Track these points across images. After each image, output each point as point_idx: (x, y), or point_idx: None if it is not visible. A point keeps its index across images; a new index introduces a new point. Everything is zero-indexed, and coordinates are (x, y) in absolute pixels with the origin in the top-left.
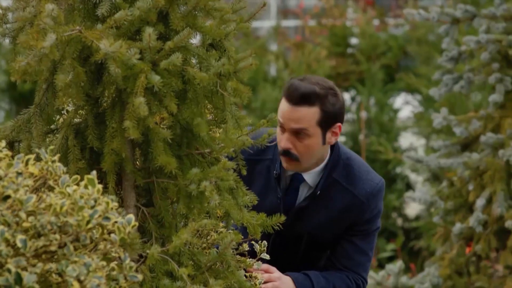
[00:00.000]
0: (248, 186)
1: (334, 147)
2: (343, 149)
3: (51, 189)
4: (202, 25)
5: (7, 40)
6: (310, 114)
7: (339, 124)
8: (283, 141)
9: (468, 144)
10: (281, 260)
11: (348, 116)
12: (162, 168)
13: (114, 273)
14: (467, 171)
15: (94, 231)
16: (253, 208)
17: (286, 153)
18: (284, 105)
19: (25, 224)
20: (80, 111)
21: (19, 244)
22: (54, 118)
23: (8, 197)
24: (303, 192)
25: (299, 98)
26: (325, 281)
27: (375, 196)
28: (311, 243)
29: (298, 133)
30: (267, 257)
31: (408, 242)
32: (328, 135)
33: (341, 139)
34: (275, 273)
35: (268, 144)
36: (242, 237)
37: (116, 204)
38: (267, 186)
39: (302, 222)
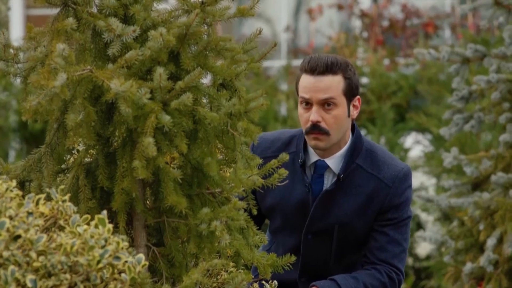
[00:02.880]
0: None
1: (354, 132)
2: (364, 138)
3: (61, 228)
4: (213, 65)
5: (18, 80)
6: (335, 82)
7: (358, 97)
8: (312, 114)
9: (478, 184)
10: (313, 263)
11: None
12: (172, 207)
13: None
14: (477, 210)
15: (104, 270)
16: (283, 202)
17: (316, 127)
18: (307, 79)
19: (36, 264)
20: (91, 150)
21: (29, 284)
22: (64, 157)
23: (18, 236)
24: (328, 179)
25: (322, 67)
26: (354, 281)
27: (402, 180)
28: (343, 238)
29: (326, 104)
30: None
31: (419, 282)
32: (351, 107)
33: None
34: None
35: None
36: (253, 276)
37: (126, 243)
38: (294, 178)
39: (331, 211)
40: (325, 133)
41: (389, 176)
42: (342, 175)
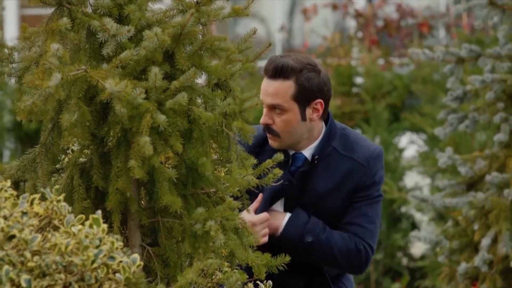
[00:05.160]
0: None
1: (328, 121)
2: (337, 122)
3: (56, 228)
4: (207, 65)
5: (13, 80)
6: (284, 87)
7: (319, 100)
8: (262, 117)
9: (473, 184)
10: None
11: None
12: (167, 207)
13: None
14: (472, 210)
15: (99, 270)
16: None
17: (267, 128)
18: (263, 80)
19: (30, 264)
20: (86, 150)
21: (23, 284)
22: (59, 157)
23: (13, 236)
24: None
25: (273, 71)
26: (321, 226)
27: (375, 160)
28: (317, 215)
29: (274, 108)
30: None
31: (414, 282)
32: (308, 111)
33: None
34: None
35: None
36: (247, 276)
37: (121, 243)
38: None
39: (306, 189)
40: (276, 135)
41: (363, 157)
42: (317, 156)
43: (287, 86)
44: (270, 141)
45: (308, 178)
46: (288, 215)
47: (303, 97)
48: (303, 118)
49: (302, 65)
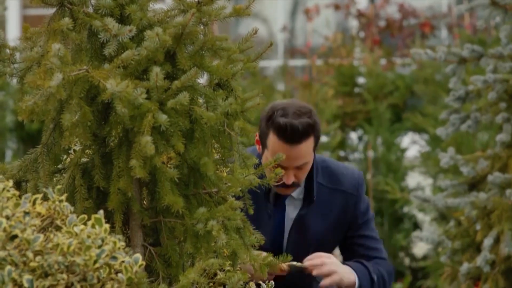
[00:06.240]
0: None
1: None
2: (316, 155)
3: (58, 228)
4: (209, 64)
5: (14, 80)
6: (308, 146)
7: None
8: (287, 178)
9: (475, 184)
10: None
11: (355, 155)
12: (169, 207)
13: None
14: (474, 210)
15: (101, 270)
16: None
17: (290, 185)
18: (281, 147)
19: (32, 264)
20: (87, 150)
21: (25, 284)
22: (61, 157)
23: (15, 236)
24: (289, 206)
25: (298, 137)
26: (373, 265)
27: (361, 185)
28: (317, 250)
29: (301, 167)
30: None
31: (416, 282)
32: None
33: None
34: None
35: None
36: (249, 276)
37: (123, 243)
38: (257, 204)
39: (306, 233)
40: (296, 186)
41: (351, 185)
42: (315, 197)
43: (310, 143)
44: (282, 192)
45: (305, 221)
46: (349, 267)
47: (317, 143)
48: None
49: (313, 118)
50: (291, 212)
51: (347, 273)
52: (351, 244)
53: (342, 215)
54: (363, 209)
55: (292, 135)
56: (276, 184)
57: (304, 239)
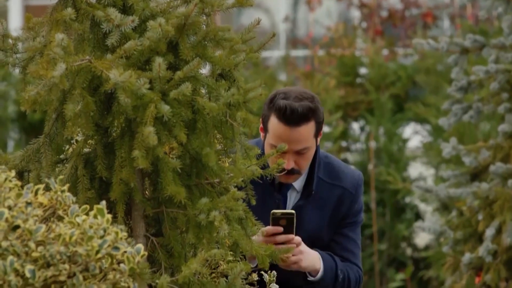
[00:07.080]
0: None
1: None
2: (320, 151)
3: (60, 219)
4: (211, 55)
5: (17, 70)
6: (308, 130)
7: (322, 125)
8: (287, 163)
9: (477, 174)
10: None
11: (357, 146)
12: (171, 198)
13: None
14: (476, 201)
15: (103, 261)
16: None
17: (291, 171)
18: (281, 128)
19: (34, 254)
20: (90, 140)
21: (28, 274)
22: (63, 148)
23: (17, 227)
24: (291, 197)
25: (296, 119)
26: (343, 265)
27: (360, 187)
28: (310, 246)
29: (301, 152)
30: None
31: (418, 272)
32: (317, 139)
33: None
34: (301, 246)
35: None
36: (252, 266)
37: (125, 234)
38: (264, 195)
39: (301, 225)
40: (298, 173)
41: (350, 184)
42: (313, 191)
43: (310, 128)
44: (284, 179)
45: (301, 213)
46: (318, 254)
47: (319, 130)
48: (316, 147)
49: (315, 103)
50: (292, 203)
51: (314, 260)
52: (331, 240)
53: (336, 211)
54: (356, 210)
55: (291, 116)
56: (280, 172)
57: (299, 230)
